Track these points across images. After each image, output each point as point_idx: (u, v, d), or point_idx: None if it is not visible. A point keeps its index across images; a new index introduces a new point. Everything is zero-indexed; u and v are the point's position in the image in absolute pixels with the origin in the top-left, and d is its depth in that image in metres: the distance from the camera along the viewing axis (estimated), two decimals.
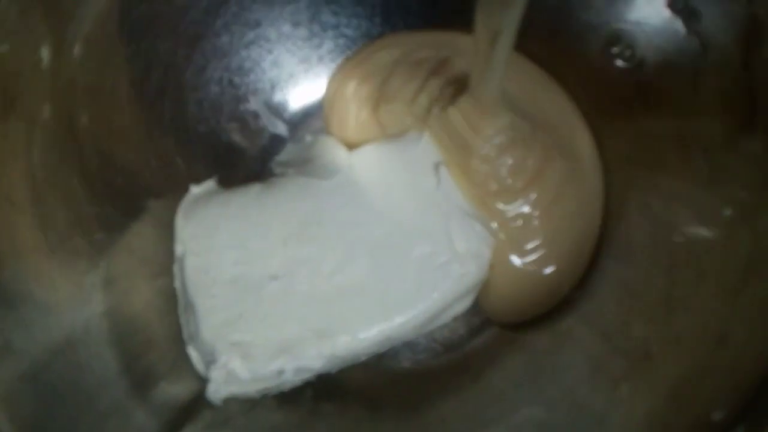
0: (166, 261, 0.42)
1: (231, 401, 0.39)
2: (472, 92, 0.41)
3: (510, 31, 0.34)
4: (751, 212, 0.36)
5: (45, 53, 0.38)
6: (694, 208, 0.39)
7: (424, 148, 0.44)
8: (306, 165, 0.45)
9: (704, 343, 0.35)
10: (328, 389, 0.42)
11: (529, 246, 0.44)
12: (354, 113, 0.48)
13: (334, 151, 0.45)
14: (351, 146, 0.45)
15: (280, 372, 0.38)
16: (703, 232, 0.38)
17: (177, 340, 0.41)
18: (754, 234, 0.35)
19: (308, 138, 0.51)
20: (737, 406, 0.31)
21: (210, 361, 0.38)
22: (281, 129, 0.51)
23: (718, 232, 0.37)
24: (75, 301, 0.38)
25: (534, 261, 0.44)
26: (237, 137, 0.49)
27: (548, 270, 0.44)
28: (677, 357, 0.36)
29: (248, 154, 0.50)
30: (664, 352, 0.37)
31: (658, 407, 0.35)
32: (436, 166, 0.43)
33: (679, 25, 0.40)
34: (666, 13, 0.40)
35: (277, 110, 0.51)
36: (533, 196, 0.44)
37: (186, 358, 0.40)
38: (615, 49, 0.44)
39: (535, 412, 0.39)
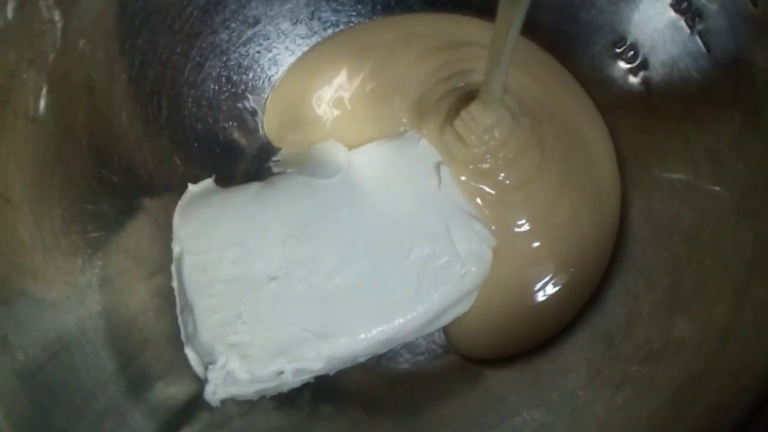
0: (162, 260, 0.42)
1: (228, 403, 0.39)
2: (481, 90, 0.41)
3: (517, 23, 0.33)
4: (754, 214, 0.36)
5: (41, 50, 0.37)
6: (696, 209, 0.39)
7: (424, 148, 0.44)
8: (305, 164, 0.45)
9: (707, 346, 0.35)
10: (326, 391, 0.42)
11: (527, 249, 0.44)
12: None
13: (333, 150, 0.45)
14: (350, 145, 0.45)
15: (279, 373, 0.38)
16: (706, 232, 0.38)
17: (174, 341, 0.40)
18: (756, 236, 0.35)
19: None
20: (741, 408, 0.31)
21: (208, 361, 0.38)
22: None
23: (720, 234, 0.37)
24: (71, 300, 0.37)
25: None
26: (235, 135, 0.49)
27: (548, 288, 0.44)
28: (679, 360, 0.36)
29: (246, 153, 0.49)
30: (666, 355, 0.37)
31: (659, 411, 0.35)
32: (437, 166, 0.43)
33: (682, 26, 0.40)
34: (670, 13, 0.40)
35: None
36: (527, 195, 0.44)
37: (183, 359, 0.40)
38: (619, 49, 0.44)
39: (535, 415, 0.39)
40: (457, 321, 0.43)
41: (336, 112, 0.48)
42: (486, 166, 0.43)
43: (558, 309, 0.43)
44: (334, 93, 0.48)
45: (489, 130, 0.42)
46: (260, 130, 0.50)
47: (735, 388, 0.32)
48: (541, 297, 0.43)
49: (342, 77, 0.48)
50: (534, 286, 0.43)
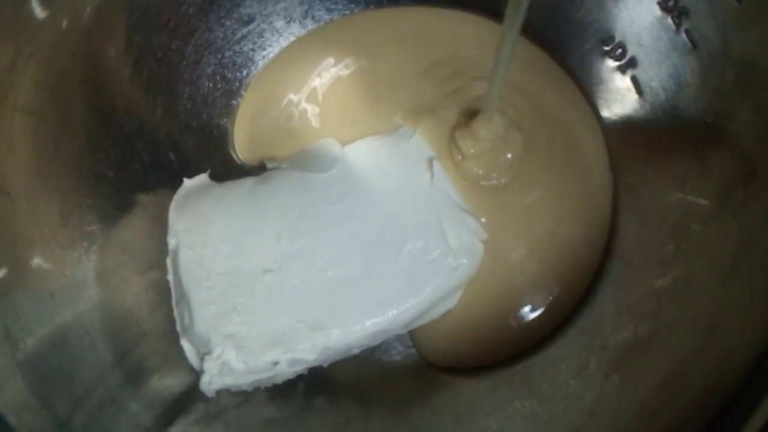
0: (158, 254, 0.42)
1: (223, 394, 0.39)
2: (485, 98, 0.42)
3: (516, 27, 0.34)
4: (739, 205, 0.36)
5: (40, 45, 0.37)
6: (682, 203, 0.40)
7: (417, 143, 0.45)
8: (299, 159, 0.46)
9: (694, 334, 0.35)
10: (320, 383, 0.42)
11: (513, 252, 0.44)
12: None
13: (327, 146, 0.45)
14: (344, 142, 0.45)
15: (274, 364, 0.38)
16: (692, 225, 0.39)
17: (169, 333, 0.40)
18: (740, 228, 0.36)
19: None
20: (727, 395, 0.31)
21: (204, 353, 0.38)
22: None
23: (706, 226, 0.38)
24: (68, 292, 0.38)
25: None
26: (230, 131, 0.49)
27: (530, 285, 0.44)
28: (667, 348, 0.36)
29: None
30: (654, 343, 0.37)
31: (648, 398, 0.35)
32: (430, 161, 0.43)
33: (669, 23, 0.41)
34: (657, 11, 0.41)
35: None
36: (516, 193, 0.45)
37: (179, 351, 0.40)
38: (607, 47, 0.45)
39: (526, 404, 0.40)
40: (430, 330, 0.43)
41: (323, 110, 0.48)
42: (480, 170, 0.44)
43: (544, 317, 0.43)
44: (322, 89, 0.48)
45: (489, 139, 0.43)
46: None
47: (721, 374, 0.32)
48: (526, 304, 0.43)
49: (330, 72, 0.49)
50: (519, 292, 0.44)
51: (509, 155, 0.44)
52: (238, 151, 0.49)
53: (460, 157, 0.44)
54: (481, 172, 0.44)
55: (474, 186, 0.45)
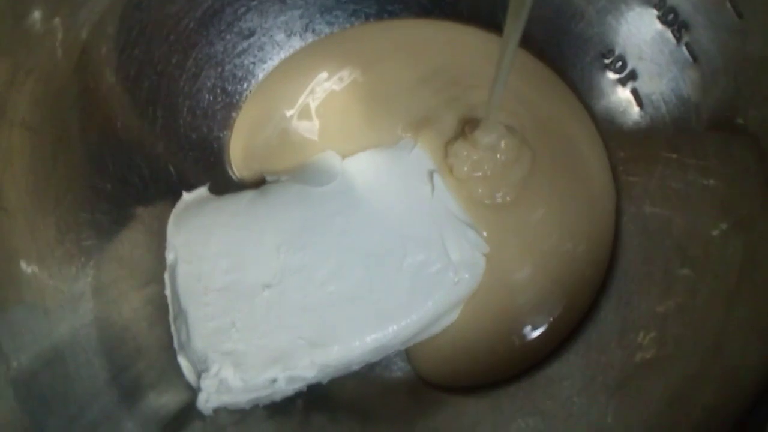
0: (155, 269, 0.42)
1: (221, 412, 0.39)
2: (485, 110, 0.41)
3: (516, 35, 0.34)
4: (743, 221, 0.36)
5: (39, 59, 0.37)
6: (686, 217, 0.40)
7: (418, 156, 0.44)
8: (299, 172, 0.45)
9: (700, 352, 0.35)
10: (319, 400, 0.41)
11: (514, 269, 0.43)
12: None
13: (327, 159, 0.45)
14: (344, 154, 0.45)
15: (273, 381, 0.37)
16: (697, 241, 0.38)
17: (167, 350, 0.40)
18: (746, 243, 0.35)
19: None
20: (735, 413, 0.31)
21: (201, 370, 0.38)
22: None
23: (711, 242, 0.37)
24: (64, 308, 0.37)
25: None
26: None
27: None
28: (673, 366, 0.36)
29: None
30: (659, 361, 0.37)
31: (654, 417, 0.35)
32: (430, 174, 0.43)
33: (669, 37, 0.41)
34: (657, 25, 0.41)
35: None
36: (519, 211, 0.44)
37: (176, 368, 0.40)
38: (607, 60, 0.45)
39: (530, 422, 0.39)
40: (427, 348, 0.43)
41: (322, 122, 0.48)
42: (480, 176, 0.44)
43: (548, 335, 0.43)
44: (321, 101, 0.48)
45: (490, 150, 0.43)
46: None
47: (730, 393, 0.32)
48: (529, 322, 0.43)
49: (328, 85, 0.49)
50: (521, 309, 0.43)
51: (519, 174, 0.44)
52: (234, 168, 0.48)
53: (465, 169, 0.44)
54: (481, 190, 0.44)
55: (476, 202, 0.44)
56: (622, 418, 0.36)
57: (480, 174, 0.44)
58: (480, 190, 0.44)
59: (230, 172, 0.48)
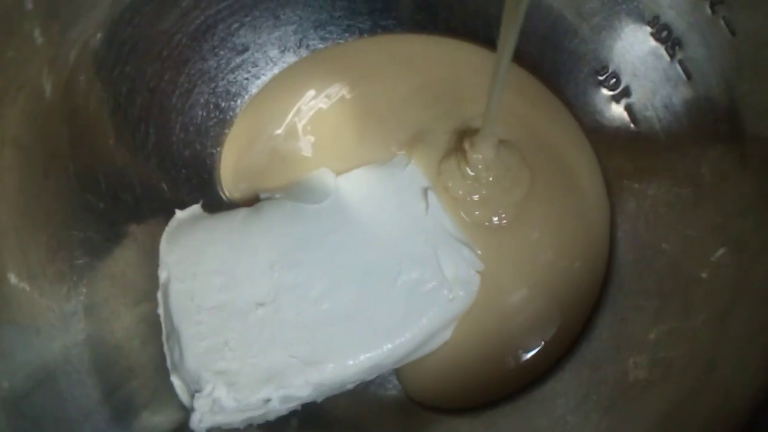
0: (148, 287, 0.41)
1: (215, 431, 0.38)
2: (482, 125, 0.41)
3: (509, 49, 0.34)
4: (735, 239, 0.36)
5: (30, 77, 0.37)
6: (680, 234, 0.40)
7: (412, 173, 0.44)
8: (293, 189, 0.45)
9: (694, 370, 0.35)
10: (313, 418, 0.41)
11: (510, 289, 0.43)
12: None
13: (321, 176, 0.45)
14: (338, 171, 0.45)
15: (266, 401, 0.37)
16: (690, 259, 0.39)
17: (159, 369, 0.40)
18: (739, 260, 0.36)
19: None
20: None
21: (194, 390, 0.37)
22: None
23: (704, 260, 0.38)
24: (56, 327, 0.37)
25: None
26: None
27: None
28: (667, 384, 0.36)
29: None
30: (653, 379, 0.37)
31: None
32: (425, 191, 0.43)
33: (663, 54, 0.41)
34: (651, 42, 0.41)
35: None
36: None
37: (168, 387, 0.39)
38: (601, 77, 0.45)
39: None
40: (419, 368, 0.43)
41: (315, 139, 0.48)
42: (476, 197, 0.44)
43: (543, 354, 0.43)
44: (314, 117, 0.48)
45: (485, 165, 0.43)
46: None
47: (724, 412, 0.32)
48: (524, 341, 0.43)
49: (320, 101, 0.48)
50: (516, 327, 0.43)
51: (518, 196, 0.44)
52: (225, 189, 0.48)
53: (461, 192, 0.44)
54: (478, 212, 0.44)
55: (473, 223, 0.44)
56: None
57: (477, 197, 0.44)
58: (477, 212, 0.44)
59: (221, 193, 0.48)
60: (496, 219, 0.44)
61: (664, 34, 0.40)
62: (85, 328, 0.38)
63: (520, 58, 0.38)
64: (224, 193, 0.48)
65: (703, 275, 0.37)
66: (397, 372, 0.43)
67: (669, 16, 0.40)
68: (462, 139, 0.44)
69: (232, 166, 0.48)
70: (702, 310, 0.36)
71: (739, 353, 0.33)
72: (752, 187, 0.36)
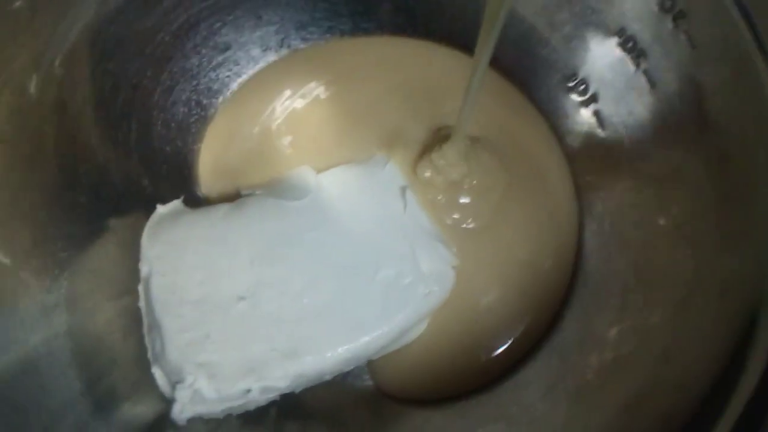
0: (129, 281, 0.42)
1: (195, 421, 0.39)
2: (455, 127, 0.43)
3: (487, 53, 0.35)
4: (694, 239, 0.38)
5: (15, 72, 0.37)
6: (642, 234, 0.42)
7: (390, 171, 0.46)
8: (274, 186, 0.46)
9: (651, 362, 0.37)
10: (292, 409, 0.42)
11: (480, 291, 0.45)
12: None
13: (302, 173, 0.46)
14: (318, 169, 0.46)
15: (247, 392, 0.38)
16: (651, 257, 0.41)
17: (140, 361, 0.40)
18: (695, 259, 0.38)
19: None
20: (685, 419, 0.33)
21: (176, 381, 0.38)
22: None
23: (664, 256, 0.40)
24: (38, 319, 0.37)
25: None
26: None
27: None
28: (628, 373, 0.38)
29: None
30: (616, 368, 0.39)
31: (611, 422, 0.37)
32: (403, 190, 0.44)
33: (629, 63, 0.43)
34: (617, 51, 0.43)
35: None
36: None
37: (150, 379, 0.40)
38: (571, 84, 0.47)
39: (496, 427, 0.41)
40: (391, 362, 0.44)
41: (295, 137, 0.48)
42: (454, 197, 0.45)
43: (514, 348, 0.44)
44: (294, 116, 0.49)
45: (461, 166, 0.44)
46: None
47: (680, 399, 0.34)
48: (496, 336, 0.44)
49: (300, 99, 0.49)
50: (488, 323, 0.44)
51: (495, 199, 0.45)
52: (203, 187, 0.48)
53: (440, 197, 0.45)
54: (457, 216, 0.45)
55: (449, 226, 0.46)
56: (582, 422, 0.38)
57: (455, 197, 0.45)
58: (455, 215, 0.45)
59: (198, 191, 0.48)
60: (471, 221, 0.45)
61: (630, 45, 0.42)
62: (68, 320, 0.39)
63: (495, 63, 0.39)
64: (201, 192, 0.48)
65: (663, 272, 0.39)
66: (369, 365, 0.44)
67: (634, 28, 0.42)
68: (439, 140, 0.45)
69: (211, 163, 0.48)
70: (660, 306, 0.38)
71: (693, 346, 0.35)
72: (710, 189, 0.38)
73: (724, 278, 0.35)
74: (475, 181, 0.45)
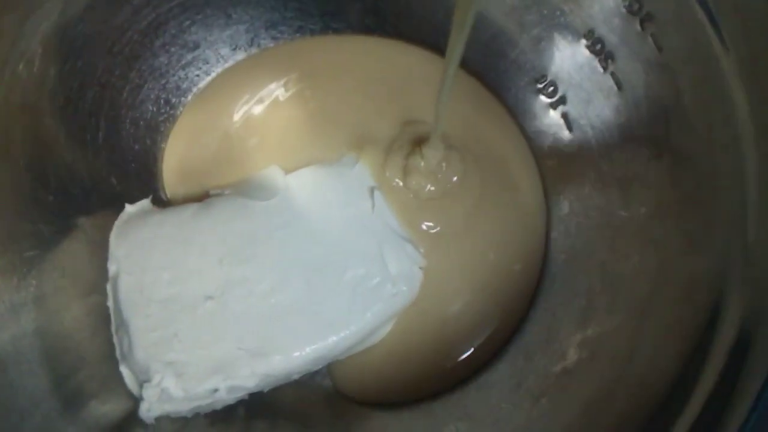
0: (97, 279, 0.42)
1: (163, 420, 0.39)
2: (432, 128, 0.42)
3: (457, 54, 0.35)
4: (658, 240, 0.39)
5: None
6: (608, 235, 0.42)
7: (359, 172, 0.46)
8: (242, 186, 0.46)
9: (615, 361, 0.37)
10: (260, 408, 0.42)
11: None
12: None
13: (271, 173, 0.46)
14: (287, 170, 0.46)
15: (214, 391, 0.38)
16: (616, 256, 0.41)
17: (109, 359, 0.40)
18: (659, 260, 0.38)
19: None
20: (646, 418, 0.33)
21: (143, 380, 0.38)
22: None
23: (628, 257, 0.40)
24: (6, 318, 0.37)
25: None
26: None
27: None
28: (591, 373, 0.38)
29: None
30: (579, 368, 0.39)
31: (573, 421, 0.37)
32: (371, 190, 0.45)
33: (596, 65, 0.43)
34: (585, 53, 0.44)
35: None
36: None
37: (118, 377, 0.40)
38: (540, 85, 0.47)
39: (461, 426, 0.41)
40: (353, 364, 0.44)
41: (263, 137, 0.48)
42: (425, 199, 0.45)
43: (481, 350, 0.44)
44: (262, 115, 0.48)
45: (434, 169, 0.44)
46: None
47: (641, 399, 0.34)
48: (462, 339, 0.44)
49: (270, 97, 0.49)
50: (454, 326, 0.44)
51: (469, 202, 0.45)
52: (167, 189, 0.48)
53: (410, 196, 0.45)
54: (431, 221, 0.45)
55: (420, 228, 0.46)
56: (544, 422, 0.39)
57: (426, 199, 0.45)
58: (426, 219, 0.45)
59: (162, 193, 0.48)
60: (442, 225, 0.45)
61: (598, 47, 0.43)
62: (36, 318, 0.39)
63: (464, 65, 0.39)
64: (165, 194, 0.48)
65: (627, 273, 0.40)
66: (328, 367, 0.44)
67: (602, 30, 0.42)
68: (409, 140, 0.45)
69: (175, 165, 0.48)
70: (624, 307, 0.39)
71: (656, 345, 0.36)
72: (673, 192, 0.38)
73: (687, 278, 0.36)
74: (448, 185, 0.45)
